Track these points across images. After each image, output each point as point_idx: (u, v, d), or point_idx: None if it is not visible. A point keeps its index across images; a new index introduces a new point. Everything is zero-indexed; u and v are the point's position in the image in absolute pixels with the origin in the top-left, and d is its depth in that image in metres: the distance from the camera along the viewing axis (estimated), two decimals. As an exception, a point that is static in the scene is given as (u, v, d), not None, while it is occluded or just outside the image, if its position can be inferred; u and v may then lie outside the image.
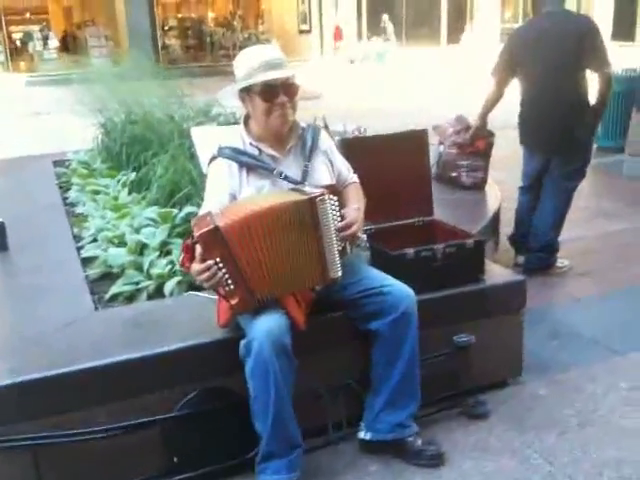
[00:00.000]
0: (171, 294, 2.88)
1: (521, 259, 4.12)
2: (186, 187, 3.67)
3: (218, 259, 2.14)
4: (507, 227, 4.29)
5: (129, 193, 3.95)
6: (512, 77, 3.99)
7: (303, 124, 2.56)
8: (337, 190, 2.48)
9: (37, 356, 2.34)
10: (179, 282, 2.89)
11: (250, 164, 2.44)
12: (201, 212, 2.43)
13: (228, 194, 2.41)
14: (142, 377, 2.34)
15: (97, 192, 4.10)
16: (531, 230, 4.05)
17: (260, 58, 2.36)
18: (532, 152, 4.05)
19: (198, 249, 2.18)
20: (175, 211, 3.42)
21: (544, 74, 3.81)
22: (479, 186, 4.27)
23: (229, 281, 2.17)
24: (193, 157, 3.92)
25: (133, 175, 4.26)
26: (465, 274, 2.74)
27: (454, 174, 4.24)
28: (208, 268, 2.14)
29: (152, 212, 3.44)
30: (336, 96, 11.61)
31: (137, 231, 3.24)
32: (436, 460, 2.43)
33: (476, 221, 3.66)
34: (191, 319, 2.60)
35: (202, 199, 3.42)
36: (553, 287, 3.95)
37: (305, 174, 2.47)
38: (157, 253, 3.07)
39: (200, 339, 2.42)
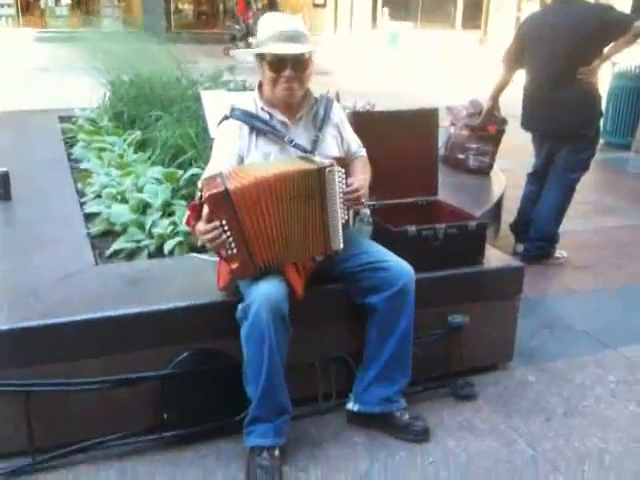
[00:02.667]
0: (171, 254, 2.89)
1: (520, 247, 4.14)
2: (190, 150, 3.68)
3: (224, 221, 2.14)
4: (508, 215, 4.31)
5: (135, 152, 3.94)
6: (521, 64, 3.98)
7: (317, 94, 2.56)
8: (345, 163, 2.48)
9: (32, 306, 2.35)
10: (180, 243, 2.90)
11: (261, 128, 2.43)
12: (207, 170, 2.43)
13: (236, 155, 2.41)
14: (137, 333, 2.36)
15: (103, 149, 4.09)
16: (532, 220, 4.07)
17: (277, 27, 2.34)
18: (536, 140, 4.06)
19: (205, 209, 2.19)
20: (179, 172, 3.42)
21: (547, 62, 3.80)
22: (485, 171, 4.27)
23: (232, 244, 2.17)
24: (199, 120, 3.92)
25: (139, 135, 4.25)
26: (465, 256, 2.75)
27: (461, 156, 4.24)
28: (214, 228, 2.15)
29: (157, 172, 3.44)
30: (347, 74, 11.56)
31: (140, 190, 3.23)
32: (422, 436, 2.46)
33: (479, 205, 3.66)
34: (189, 280, 2.61)
35: (206, 162, 3.45)
36: (548, 278, 3.97)
37: (315, 144, 2.47)
38: (160, 213, 3.08)
39: (197, 300, 2.44)
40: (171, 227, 2.97)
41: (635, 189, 5.97)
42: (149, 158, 3.82)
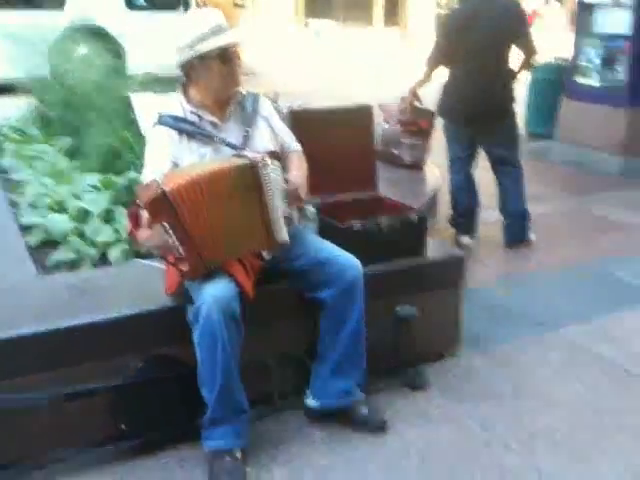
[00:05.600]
0: (116, 262, 2.84)
1: (465, 239, 4.26)
2: (126, 154, 3.62)
3: (166, 224, 2.12)
4: (445, 207, 4.41)
5: (69, 160, 3.84)
6: (442, 60, 4.16)
7: (242, 90, 2.56)
8: (280, 157, 2.48)
9: None
10: (124, 249, 2.85)
11: (190, 131, 2.42)
12: (142, 178, 2.40)
13: (169, 162, 2.38)
14: (88, 344, 2.31)
15: (33, 158, 3.97)
16: (503, 206, 4.34)
17: (210, 23, 2.34)
18: (460, 132, 4.21)
19: (145, 215, 2.16)
20: (116, 178, 3.36)
21: (478, 54, 4.00)
22: (419, 165, 4.37)
23: (178, 247, 2.15)
24: (132, 124, 3.86)
25: (70, 141, 4.14)
26: (408, 247, 2.82)
27: (396, 151, 4.32)
28: (156, 234, 2.12)
29: (93, 179, 3.37)
30: (272, 74, 11.55)
31: (78, 197, 3.16)
32: (380, 427, 2.50)
33: (416, 199, 3.74)
34: (137, 286, 2.58)
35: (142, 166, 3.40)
36: (484, 265, 4.09)
37: (246, 139, 2.47)
38: (100, 220, 3.01)
39: (147, 306, 2.41)
40: (114, 234, 2.92)
41: (561, 176, 6.23)
42: (83, 165, 3.73)
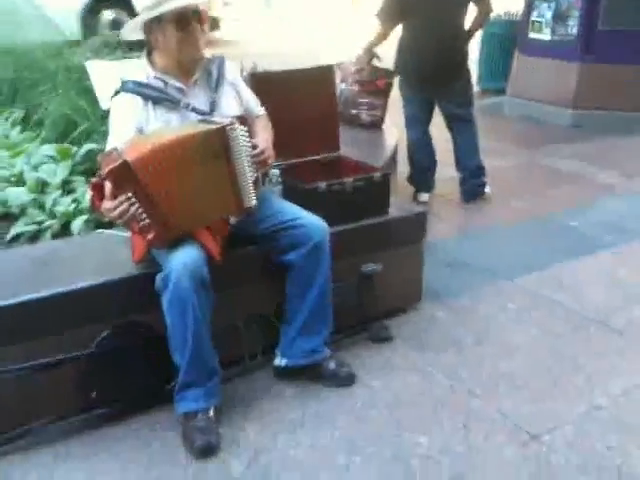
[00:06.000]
0: (78, 233, 2.82)
1: (423, 196, 4.34)
2: (82, 123, 3.56)
3: (130, 194, 2.10)
4: (403, 167, 4.47)
5: (21, 131, 3.76)
6: (399, 21, 4.16)
7: (207, 55, 2.54)
8: (246, 121, 2.49)
9: None
10: (86, 220, 2.83)
11: (155, 97, 2.40)
12: (107, 148, 2.38)
13: (134, 128, 2.36)
14: (55, 315, 2.30)
15: (-17, 131, 3.88)
16: (459, 162, 4.43)
17: None
18: (417, 90, 4.25)
19: (108, 186, 2.15)
20: (74, 147, 3.31)
21: (434, 13, 4.03)
22: (377, 124, 4.39)
23: (143, 215, 2.15)
24: (87, 92, 3.80)
25: (22, 113, 4.05)
26: (373, 206, 2.87)
27: (354, 111, 4.33)
28: (120, 203, 2.11)
29: (49, 149, 3.32)
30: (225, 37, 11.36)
31: (35, 169, 3.12)
32: (349, 380, 2.58)
33: (376, 158, 3.76)
34: (102, 256, 2.57)
35: (100, 135, 3.36)
36: (441, 220, 4.16)
37: (213, 105, 2.47)
38: (59, 191, 2.99)
39: (113, 275, 2.40)
40: (74, 205, 2.90)
41: (514, 131, 6.34)
42: (38, 136, 3.66)
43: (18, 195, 2.97)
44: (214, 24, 11.45)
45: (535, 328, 2.97)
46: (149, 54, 2.45)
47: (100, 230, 2.79)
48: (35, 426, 2.30)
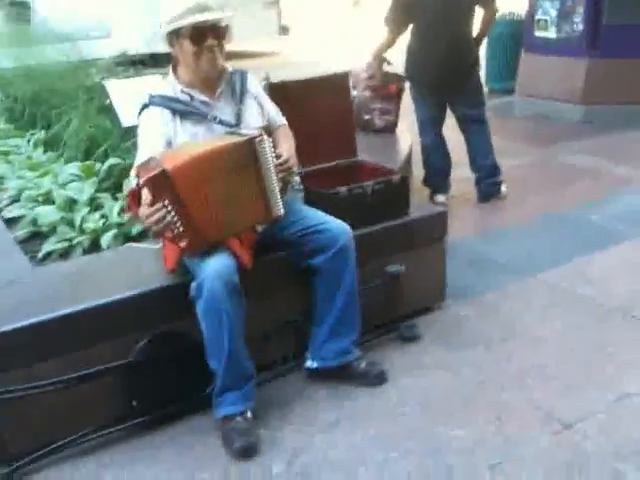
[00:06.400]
0: (108, 247, 2.89)
1: (440, 198, 4.38)
2: (104, 142, 3.65)
3: (166, 202, 2.18)
4: (416, 170, 4.51)
5: (44, 152, 3.85)
6: (407, 26, 4.23)
7: (230, 68, 2.61)
8: (269, 132, 2.56)
9: None
10: (115, 235, 2.90)
11: (183, 110, 2.47)
12: (138, 160, 2.45)
13: (164, 141, 2.43)
14: (93, 327, 2.36)
15: (7, 153, 3.97)
16: (474, 163, 4.47)
17: (189, 0, 2.38)
18: (428, 93, 4.30)
19: (145, 193, 2.22)
20: (97, 164, 3.39)
21: (444, 17, 4.09)
22: (390, 129, 4.45)
23: (178, 223, 2.22)
24: (106, 111, 3.88)
25: (43, 133, 4.15)
26: (393, 208, 2.92)
27: (367, 117, 4.39)
28: (157, 211, 2.18)
29: (74, 167, 3.40)
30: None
31: (63, 187, 3.19)
32: (379, 379, 2.63)
33: (392, 162, 3.81)
34: (134, 269, 2.64)
35: (122, 151, 3.44)
36: (461, 219, 4.20)
37: (239, 117, 2.54)
38: (88, 208, 3.05)
39: (147, 286, 2.46)
40: (102, 220, 2.96)
41: (526, 129, 6.37)
42: (61, 155, 3.75)
43: (48, 214, 3.04)
44: (284, 31, 12.66)
45: (561, 321, 3.00)
46: (174, 68, 2.52)
47: (129, 244, 2.86)
48: (79, 436, 2.36)
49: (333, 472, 2.21)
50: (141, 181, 2.19)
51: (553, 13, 6.55)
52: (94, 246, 2.93)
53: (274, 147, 2.45)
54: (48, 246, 2.90)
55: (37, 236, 3.06)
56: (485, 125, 4.44)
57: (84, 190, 3.13)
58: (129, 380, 2.42)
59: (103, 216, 3.00)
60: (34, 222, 3.07)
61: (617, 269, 3.46)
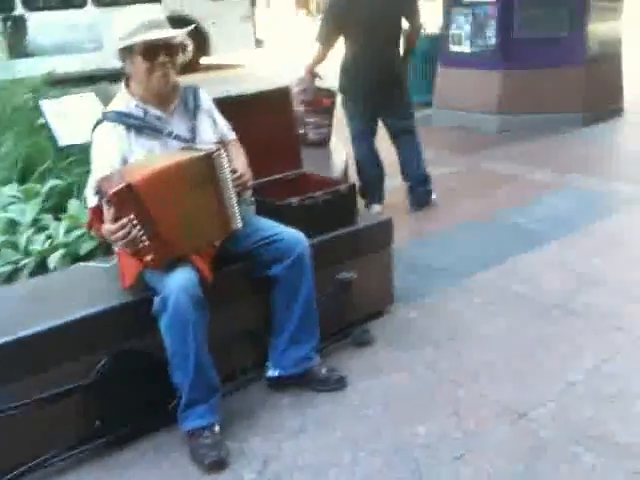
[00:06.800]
0: (55, 268, 2.84)
1: (377, 208, 4.50)
2: (40, 162, 3.57)
3: (132, 216, 2.19)
4: (352, 180, 4.63)
5: (-25, 174, 3.72)
6: (336, 41, 4.39)
7: (182, 84, 2.64)
8: (225, 147, 2.59)
9: None
10: (63, 255, 2.85)
11: (137, 125, 2.48)
12: (93, 177, 2.44)
13: (120, 157, 2.44)
14: (52, 348, 2.32)
15: None
16: (405, 173, 4.66)
17: (141, 17, 2.40)
18: (361, 107, 4.44)
19: (107, 209, 2.22)
20: (38, 186, 3.32)
21: (374, 33, 4.26)
22: (324, 142, 4.55)
23: (143, 237, 2.23)
24: (38, 131, 3.82)
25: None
26: (342, 217, 3.01)
27: (301, 131, 4.47)
28: (122, 226, 2.19)
29: (12, 189, 3.31)
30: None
31: (4, 210, 3.11)
32: (340, 383, 2.70)
33: (330, 174, 3.92)
34: (87, 288, 2.61)
35: (62, 171, 3.39)
36: (398, 227, 4.30)
37: (194, 132, 2.57)
38: (31, 230, 2.99)
39: (105, 304, 2.44)
40: (48, 241, 2.91)
41: (447, 140, 6.62)
42: (-7, 178, 3.64)
43: (-12, 237, 2.95)
44: (259, 43, 13.42)
45: (502, 319, 3.16)
46: (127, 83, 2.53)
47: (78, 264, 2.82)
48: (45, 459, 2.30)
49: (305, 476, 2.25)
50: (107, 196, 2.18)
51: (467, 28, 6.86)
52: (40, 268, 2.87)
53: (229, 162, 2.49)
54: (-8, 270, 2.82)
55: (-24, 260, 2.96)
56: (415, 136, 4.62)
57: (26, 212, 3.06)
58: (91, 400, 2.39)
59: (49, 237, 2.94)
60: (-25, 246, 2.97)
61: (547, 267, 3.68)
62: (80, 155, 3.62)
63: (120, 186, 2.15)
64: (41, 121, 3.93)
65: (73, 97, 3.80)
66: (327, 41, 4.34)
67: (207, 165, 2.33)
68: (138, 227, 2.21)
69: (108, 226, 2.22)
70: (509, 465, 2.24)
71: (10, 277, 2.84)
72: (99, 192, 2.26)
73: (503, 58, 6.65)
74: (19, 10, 10.79)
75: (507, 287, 3.47)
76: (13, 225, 3.03)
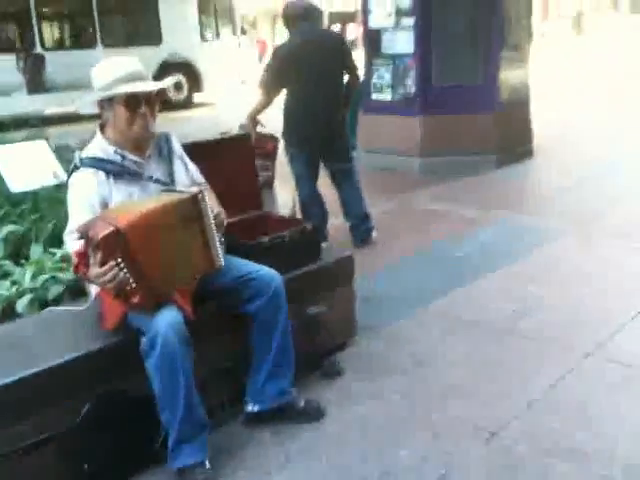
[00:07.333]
0: (22, 313, 2.79)
1: (322, 245, 4.62)
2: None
3: (119, 259, 2.21)
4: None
5: None
6: (280, 90, 4.58)
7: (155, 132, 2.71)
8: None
9: None
10: (31, 300, 2.81)
11: (117, 171, 2.52)
12: (71, 224, 2.46)
13: (99, 202, 2.47)
14: (31, 397, 2.27)
15: None
16: (347, 212, 4.88)
17: (123, 69, 2.47)
18: (306, 150, 4.62)
19: (93, 252, 2.23)
20: (-8, 233, 3.26)
21: (317, 83, 4.49)
22: (269, 184, 4.67)
23: (130, 280, 2.25)
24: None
25: None
26: (308, 255, 3.12)
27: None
28: (110, 269, 2.21)
29: (-35, 237, 3.23)
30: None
31: (-38, 258, 3.04)
32: (320, 413, 2.78)
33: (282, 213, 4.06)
34: (62, 332, 2.61)
35: (17, 216, 3.35)
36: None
37: (172, 176, 2.64)
38: (-7, 276, 2.93)
39: (87, 347, 2.43)
40: (15, 287, 2.86)
41: (374, 181, 6.83)
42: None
43: (-52, 285, 2.87)
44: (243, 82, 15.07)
45: (460, 345, 3.34)
46: (102, 129, 2.57)
47: (50, 308, 2.78)
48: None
49: (300, 505, 2.31)
50: (94, 240, 2.20)
51: (387, 77, 7.23)
52: (6, 314, 2.81)
53: None
54: (-45, 318, 2.74)
55: None
56: (355, 177, 4.84)
57: (-14, 259, 3.00)
58: (78, 444, 2.35)
59: (14, 283, 2.89)
60: None
61: (492, 295, 3.92)
62: (32, 202, 3.60)
63: (108, 231, 2.17)
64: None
65: (25, 144, 3.76)
66: (271, 89, 4.52)
67: (193, 206, 2.40)
68: (125, 270, 2.23)
69: (95, 271, 2.23)
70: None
71: (-27, 325, 2.76)
72: (83, 237, 2.27)
73: (423, 104, 7.03)
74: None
75: (459, 315, 3.67)
76: (-27, 273, 2.95)
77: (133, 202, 2.47)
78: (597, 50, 23.31)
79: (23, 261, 3.09)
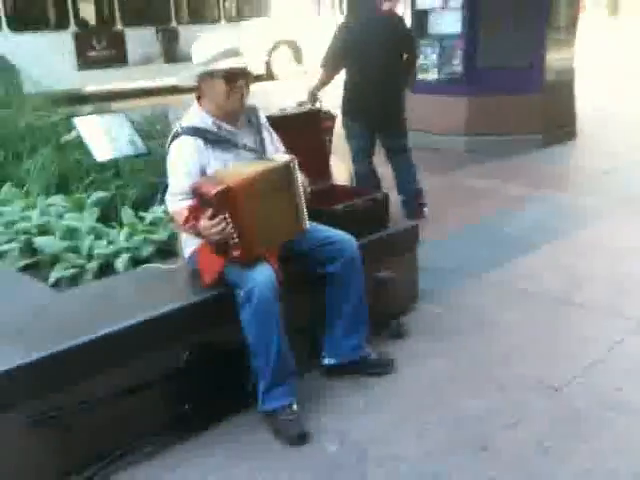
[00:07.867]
0: (125, 270, 3.02)
1: None
2: (73, 176, 3.77)
3: (227, 215, 2.45)
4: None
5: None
6: (341, 68, 4.77)
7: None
8: None
9: (23, 342, 2.37)
10: (128, 258, 3.05)
11: (214, 140, 2.75)
12: (173, 187, 2.70)
13: (198, 169, 2.70)
14: (140, 342, 2.52)
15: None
16: (402, 190, 5.03)
17: (222, 46, 2.69)
18: (363, 126, 4.81)
19: (205, 208, 2.47)
20: (84, 196, 3.51)
21: (376, 63, 4.67)
22: (327, 159, 4.88)
23: (234, 234, 2.49)
24: (65, 147, 4.01)
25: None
26: (378, 222, 3.34)
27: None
28: (219, 223, 2.45)
29: (60, 199, 3.49)
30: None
31: (61, 218, 3.29)
32: (392, 366, 3.01)
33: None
34: (160, 287, 2.84)
35: (105, 182, 3.60)
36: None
37: (262, 145, 2.86)
38: (92, 236, 3.17)
39: (189, 299, 2.69)
40: (111, 246, 3.11)
41: (420, 159, 6.86)
42: (28, 192, 3.79)
43: (50, 243, 3.12)
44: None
45: (516, 311, 3.54)
46: (199, 101, 2.79)
47: (145, 265, 3.03)
48: (135, 446, 2.50)
49: (383, 445, 2.53)
50: (207, 196, 2.43)
51: (434, 58, 7.37)
52: (101, 271, 3.06)
53: None
54: (57, 273, 2.99)
55: (33, 266, 3.12)
56: (409, 154, 5.02)
57: (85, 219, 3.25)
58: (177, 388, 2.60)
59: (110, 242, 3.14)
60: (33, 252, 3.14)
61: (542, 268, 4.10)
62: (114, 170, 3.85)
63: (221, 188, 2.42)
64: (66, 138, 4.13)
65: (105, 116, 4.01)
66: (331, 67, 4.71)
67: (286, 172, 2.62)
68: (230, 225, 2.47)
69: (206, 222, 2.47)
70: (556, 430, 2.59)
71: (74, 279, 3.01)
72: (195, 193, 2.51)
73: (468, 85, 7.16)
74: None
75: (513, 285, 3.86)
76: (72, 232, 3.20)
77: (235, 165, 2.70)
78: (633, 32, 23.01)
79: (114, 224, 3.33)
